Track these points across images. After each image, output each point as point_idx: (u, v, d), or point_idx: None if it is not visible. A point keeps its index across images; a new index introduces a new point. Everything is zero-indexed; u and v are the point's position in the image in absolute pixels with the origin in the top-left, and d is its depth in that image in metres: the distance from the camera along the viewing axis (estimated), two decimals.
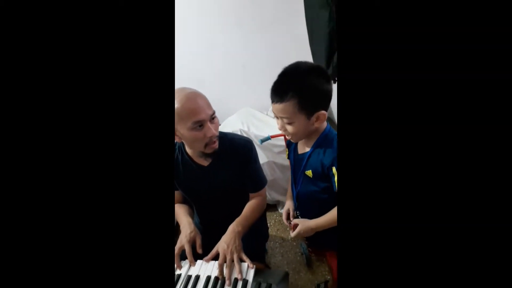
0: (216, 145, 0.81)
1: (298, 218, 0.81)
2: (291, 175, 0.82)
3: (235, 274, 0.69)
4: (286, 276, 0.71)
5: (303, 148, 0.76)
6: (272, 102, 0.66)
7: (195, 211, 1.02)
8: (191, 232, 0.80)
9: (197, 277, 0.72)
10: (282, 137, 1.38)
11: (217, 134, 0.80)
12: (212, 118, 0.78)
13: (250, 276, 0.70)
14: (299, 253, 1.29)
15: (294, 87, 0.62)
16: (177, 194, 0.97)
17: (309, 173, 0.73)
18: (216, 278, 0.70)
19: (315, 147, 0.72)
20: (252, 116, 1.83)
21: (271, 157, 1.49)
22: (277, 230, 1.47)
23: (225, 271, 0.70)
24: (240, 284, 0.68)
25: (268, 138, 1.33)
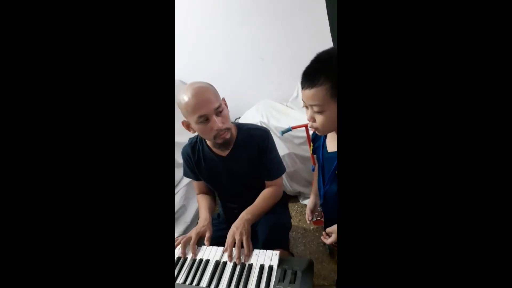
0: (226, 135, 0.83)
1: (322, 214, 0.80)
2: (319, 173, 0.79)
3: (244, 258, 0.74)
4: (311, 263, 0.72)
5: (334, 145, 0.72)
6: (302, 88, 0.62)
7: (219, 200, 1.05)
8: (202, 226, 0.85)
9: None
10: (304, 128, 1.37)
11: (225, 126, 0.81)
12: (219, 111, 0.79)
13: (275, 262, 0.72)
14: (322, 244, 1.30)
15: (326, 71, 0.58)
16: (201, 184, 1.01)
17: None
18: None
19: None
20: (271, 108, 1.82)
21: (291, 149, 1.49)
22: (299, 220, 1.48)
23: (235, 252, 0.74)
24: (266, 270, 0.70)
25: (289, 130, 1.33)
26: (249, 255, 0.75)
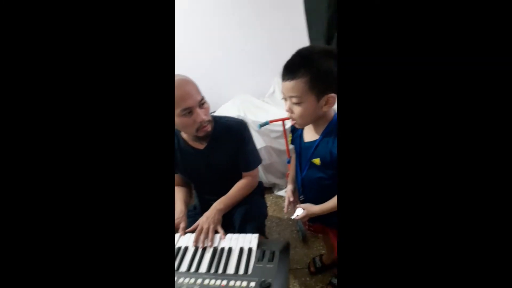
0: (208, 128, 0.85)
1: (302, 202, 0.84)
2: (296, 161, 0.83)
3: (208, 243, 0.79)
4: (287, 245, 0.78)
5: (311, 136, 0.76)
6: (283, 80, 0.66)
7: (195, 192, 1.07)
8: (177, 218, 0.89)
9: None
10: (280, 122, 1.43)
11: (207, 118, 0.84)
12: (202, 103, 0.82)
13: (254, 244, 0.76)
14: (295, 231, 1.37)
15: (306, 65, 0.63)
16: (177, 177, 1.02)
17: (316, 161, 0.74)
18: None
19: (324, 135, 0.72)
20: (249, 102, 1.86)
21: (268, 142, 1.54)
22: (274, 210, 1.54)
23: (200, 238, 0.80)
24: (246, 252, 0.74)
25: (267, 123, 1.38)
26: (212, 241, 0.79)
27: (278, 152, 1.56)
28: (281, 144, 1.54)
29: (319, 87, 0.64)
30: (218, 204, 0.89)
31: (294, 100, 0.66)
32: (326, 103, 0.67)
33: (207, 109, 0.84)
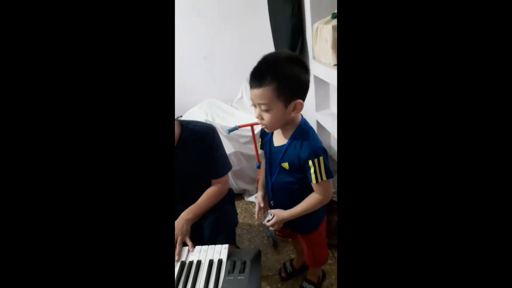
0: None
1: (272, 207, 0.85)
2: (266, 166, 0.83)
3: (183, 257, 0.75)
4: (258, 253, 0.77)
5: (279, 140, 0.77)
6: (251, 87, 0.67)
7: None
8: None
9: None
10: (249, 128, 1.42)
11: None
12: None
13: (224, 256, 0.73)
14: (265, 237, 1.36)
15: (272, 72, 0.63)
16: None
17: (285, 165, 0.75)
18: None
19: (292, 139, 0.73)
20: (216, 107, 1.83)
21: (237, 147, 1.52)
22: (244, 217, 1.52)
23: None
24: (215, 264, 0.71)
25: (236, 128, 1.36)
26: (180, 254, 0.75)
27: (248, 157, 1.55)
28: (251, 149, 1.53)
29: (286, 94, 0.65)
30: (186, 214, 0.84)
31: (263, 107, 0.67)
32: (294, 108, 0.68)
33: None
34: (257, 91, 0.65)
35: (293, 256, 1.22)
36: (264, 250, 1.28)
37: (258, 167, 1.48)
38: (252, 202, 1.61)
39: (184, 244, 0.78)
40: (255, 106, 0.69)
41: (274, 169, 0.79)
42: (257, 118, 0.70)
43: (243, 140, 1.53)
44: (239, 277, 0.67)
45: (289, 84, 0.65)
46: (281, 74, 0.64)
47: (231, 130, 1.34)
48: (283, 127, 0.74)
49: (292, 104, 0.67)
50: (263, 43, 1.82)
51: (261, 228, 1.42)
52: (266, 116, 0.68)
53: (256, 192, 1.64)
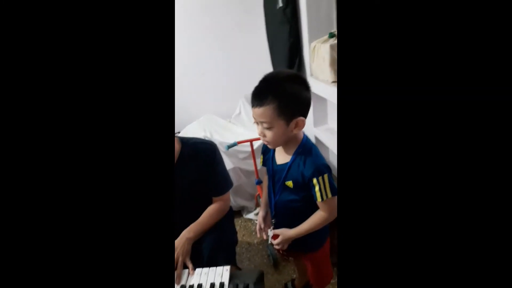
0: None
1: (273, 226, 0.83)
2: (270, 184, 0.82)
3: (183, 280, 0.71)
4: (261, 275, 0.74)
5: (282, 158, 0.77)
6: (252, 106, 0.67)
7: None
8: None
9: None
10: (248, 143, 1.42)
11: None
12: None
13: (226, 278, 0.71)
14: (265, 256, 1.32)
15: (273, 91, 0.64)
16: None
17: (289, 183, 0.74)
18: None
19: (295, 157, 0.73)
20: (214, 123, 1.83)
21: (236, 163, 1.51)
22: (243, 235, 1.48)
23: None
24: (217, 286, 0.68)
25: (235, 144, 1.36)
26: (180, 277, 0.72)
27: (247, 173, 1.54)
28: (249, 165, 1.52)
29: (287, 112, 0.66)
30: (188, 233, 0.81)
31: (265, 125, 0.68)
32: (296, 126, 0.68)
33: None
34: (259, 110, 0.66)
35: (294, 275, 1.18)
36: (265, 270, 1.23)
37: (257, 183, 1.46)
38: (251, 220, 1.58)
39: (184, 266, 0.75)
40: (257, 123, 0.70)
41: (277, 187, 0.78)
42: (260, 135, 0.71)
43: (241, 155, 1.52)
44: None
45: (290, 102, 0.65)
46: (281, 93, 0.65)
47: (230, 146, 1.33)
48: (285, 144, 0.74)
49: (294, 121, 0.67)
50: (261, 60, 1.86)
51: (261, 247, 1.38)
52: (268, 133, 0.68)
53: (255, 209, 1.62)
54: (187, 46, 1.89)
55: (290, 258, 1.21)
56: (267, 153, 0.83)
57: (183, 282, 0.71)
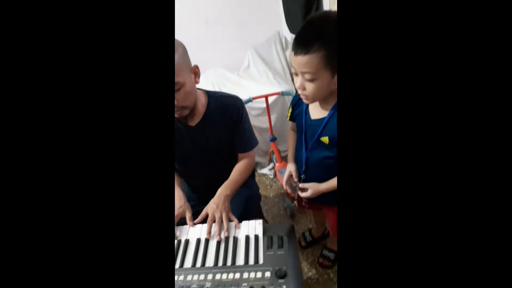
0: (180, 113, 0.77)
1: (301, 181, 0.82)
2: (302, 139, 0.79)
3: (224, 233, 0.73)
4: (292, 228, 0.77)
5: (318, 113, 0.72)
6: (295, 54, 0.60)
7: (183, 177, 0.98)
8: (180, 207, 0.80)
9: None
10: (262, 99, 1.36)
11: (180, 104, 0.74)
12: (178, 88, 0.72)
13: (260, 231, 0.74)
14: (282, 208, 1.39)
15: (321, 38, 0.57)
16: None
17: (325, 139, 0.71)
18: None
19: (333, 111, 0.68)
20: (222, 77, 1.74)
21: (250, 120, 1.47)
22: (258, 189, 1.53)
23: (215, 228, 0.73)
24: (253, 240, 0.71)
25: (250, 100, 1.31)
26: (228, 231, 0.74)
27: (260, 130, 1.52)
28: (263, 122, 1.49)
29: (334, 62, 0.59)
30: (225, 190, 0.81)
31: (307, 76, 0.61)
32: None
33: (182, 93, 0.73)
34: (303, 59, 0.59)
35: (310, 226, 1.25)
36: (282, 221, 1.31)
37: (271, 139, 1.45)
38: (264, 174, 1.62)
39: (229, 220, 0.76)
40: (296, 74, 0.63)
41: (310, 143, 0.76)
42: (299, 88, 0.65)
43: (255, 112, 1.48)
44: (279, 252, 0.68)
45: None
46: (330, 40, 0.57)
47: (245, 103, 1.28)
48: (324, 98, 0.69)
49: None
50: (268, 7, 1.68)
51: (277, 200, 1.44)
52: (310, 86, 0.62)
53: (269, 164, 1.64)
54: None
55: (308, 210, 1.27)
56: (297, 107, 0.78)
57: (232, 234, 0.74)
